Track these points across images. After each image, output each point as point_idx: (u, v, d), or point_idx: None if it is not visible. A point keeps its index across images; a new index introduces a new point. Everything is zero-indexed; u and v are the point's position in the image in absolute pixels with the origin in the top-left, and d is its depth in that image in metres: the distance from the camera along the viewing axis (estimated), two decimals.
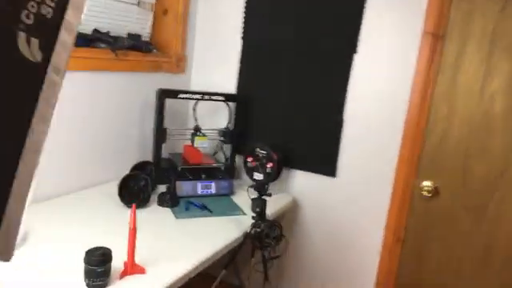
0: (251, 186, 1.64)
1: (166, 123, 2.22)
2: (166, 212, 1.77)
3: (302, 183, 2.24)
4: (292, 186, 2.27)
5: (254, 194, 1.67)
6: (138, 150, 2.16)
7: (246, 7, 2.24)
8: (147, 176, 1.82)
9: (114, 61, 1.89)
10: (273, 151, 2.07)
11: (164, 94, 1.98)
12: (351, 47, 2.03)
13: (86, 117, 1.86)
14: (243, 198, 2.01)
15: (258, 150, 2.10)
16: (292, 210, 2.26)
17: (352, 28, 2.02)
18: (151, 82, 2.14)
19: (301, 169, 2.22)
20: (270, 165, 2.05)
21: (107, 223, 1.59)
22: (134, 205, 1.26)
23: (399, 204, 1.97)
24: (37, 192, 1.48)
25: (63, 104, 1.71)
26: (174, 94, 2.00)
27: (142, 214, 1.72)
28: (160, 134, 2.01)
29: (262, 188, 1.61)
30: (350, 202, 2.14)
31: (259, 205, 1.59)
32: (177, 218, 1.72)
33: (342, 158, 2.12)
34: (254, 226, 1.59)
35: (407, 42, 1.92)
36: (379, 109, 2.02)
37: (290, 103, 2.18)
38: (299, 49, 2.13)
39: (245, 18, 2.25)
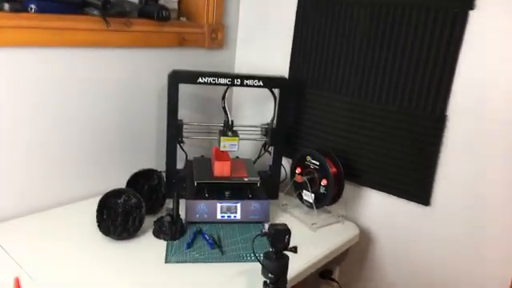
0: (262, 235, 0.99)
1: (195, 117, 1.69)
2: (159, 248, 1.23)
3: (377, 209, 1.53)
4: (362, 212, 1.56)
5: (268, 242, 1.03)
6: (155, 153, 1.66)
7: None
8: (136, 193, 1.30)
9: (111, 33, 1.39)
10: (330, 161, 1.40)
11: (176, 78, 1.42)
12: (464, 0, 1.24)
13: (76, 110, 1.40)
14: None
15: (309, 158, 1.44)
16: (359, 247, 1.56)
17: None
18: (174, 62, 1.60)
19: (376, 188, 1.50)
20: (324, 182, 1.38)
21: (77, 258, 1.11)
22: (16, 278, 0.73)
23: None
24: None
25: (38, 92, 1.13)
26: (190, 77, 1.43)
27: (123, 249, 1.21)
28: (172, 130, 1.47)
29: (280, 238, 0.96)
30: (452, 245, 1.37)
31: (272, 268, 0.95)
32: (166, 261, 1.17)
33: (442, 178, 1.35)
34: None
35: None
36: (508, 100, 1.21)
37: (363, 92, 1.46)
38: (378, 6, 1.39)
39: None
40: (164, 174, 1.49)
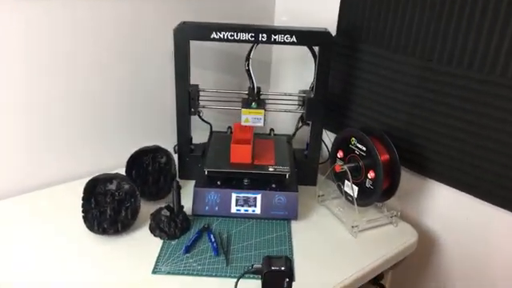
0: (252, 272, 0.68)
1: (223, 79, 1.40)
2: (153, 250, 0.99)
3: (446, 209, 1.15)
4: (425, 210, 1.20)
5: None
6: (171, 124, 1.40)
7: None
8: (129, 179, 1.06)
9: None
10: (382, 146, 1.05)
11: (185, 33, 1.12)
12: None
13: (67, 73, 1.17)
14: (319, 228, 1.09)
15: (353, 141, 1.10)
16: (419, 252, 1.21)
17: None
18: (192, 10, 1.30)
19: (448, 183, 1.12)
20: (371, 174, 1.04)
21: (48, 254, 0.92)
22: None
23: None
24: None
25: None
26: (201, 31, 1.12)
27: (109, 247, 0.99)
28: (182, 99, 1.19)
29: (275, 283, 0.65)
30: None
31: None
32: (154, 271, 0.93)
33: None
34: None
35: None
36: None
37: (438, 51, 1.05)
38: None
39: None
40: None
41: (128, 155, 1.16)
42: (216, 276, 0.92)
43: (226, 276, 0.92)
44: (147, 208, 1.10)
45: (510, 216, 1.00)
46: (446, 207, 1.14)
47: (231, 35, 1.10)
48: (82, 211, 1.03)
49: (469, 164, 1.04)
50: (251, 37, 1.10)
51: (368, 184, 1.07)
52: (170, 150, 1.22)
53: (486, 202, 1.04)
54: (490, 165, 1.00)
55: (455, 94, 1.03)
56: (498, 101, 0.96)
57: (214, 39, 1.11)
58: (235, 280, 0.84)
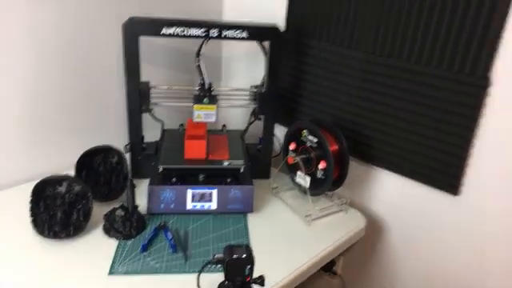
0: (214, 262, 0.70)
1: (175, 76, 1.39)
2: (108, 251, 0.97)
3: (391, 195, 1.22)
4: (373, 197, 1.27)
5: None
6: (124, 125, 1.37)
7: None
8: (78, 179, 1.03)
9: None
10: (332, 136, 1.10)
11: (134, 29, 1.10)
12: None
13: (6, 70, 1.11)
14: (275, 219, 1.12)
15: (305, 133, 1.13)
16: (368, 237, 1.28)
17: None
18: (139, 6, 1.27)
19: (392, 170, 1.19)
20: (322, 165, 1.08)
21: None
22: None
23: None
24: None
25: None
26: (151, 26, 1.10)
27: (62, 251, 0.95)
28: (133, 96, 1.17)
29: (237, 270, 0.67)
30: (481, 244, 1.07)
31: None
32: (110, 272, 0.91)
33: (477, 161, 1.03)
34: None
35: None
36: None
37: (379, 44, 1.11)
38: None
39: None
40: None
41: (76, 156, 1.12)
42: (175, 273, 0.92)
43: (185, 272, 0.92)
44: (99, 209, 1.07)
45: (450, 199, 1.09)
46: (391, 193, 1.22)
47: (182, 31, 1.10)
48: (31, 215, 0.98)
49: (410, 151, 1.11)
50: (202, 32, 1.11)
51: (319, 174, 1.11)
52: (121, 149, 1.19)
53: (428, 186, 1.12)
54: (430, 151, 1.08)
55: (397, 85, 1.09)
56: (436, 92, 1.03)
57: (164, 35, 1.10)
58: (195, 275, 0.84)
